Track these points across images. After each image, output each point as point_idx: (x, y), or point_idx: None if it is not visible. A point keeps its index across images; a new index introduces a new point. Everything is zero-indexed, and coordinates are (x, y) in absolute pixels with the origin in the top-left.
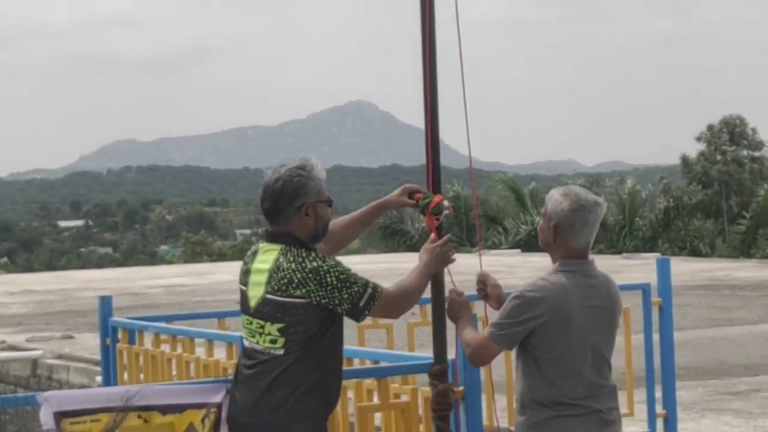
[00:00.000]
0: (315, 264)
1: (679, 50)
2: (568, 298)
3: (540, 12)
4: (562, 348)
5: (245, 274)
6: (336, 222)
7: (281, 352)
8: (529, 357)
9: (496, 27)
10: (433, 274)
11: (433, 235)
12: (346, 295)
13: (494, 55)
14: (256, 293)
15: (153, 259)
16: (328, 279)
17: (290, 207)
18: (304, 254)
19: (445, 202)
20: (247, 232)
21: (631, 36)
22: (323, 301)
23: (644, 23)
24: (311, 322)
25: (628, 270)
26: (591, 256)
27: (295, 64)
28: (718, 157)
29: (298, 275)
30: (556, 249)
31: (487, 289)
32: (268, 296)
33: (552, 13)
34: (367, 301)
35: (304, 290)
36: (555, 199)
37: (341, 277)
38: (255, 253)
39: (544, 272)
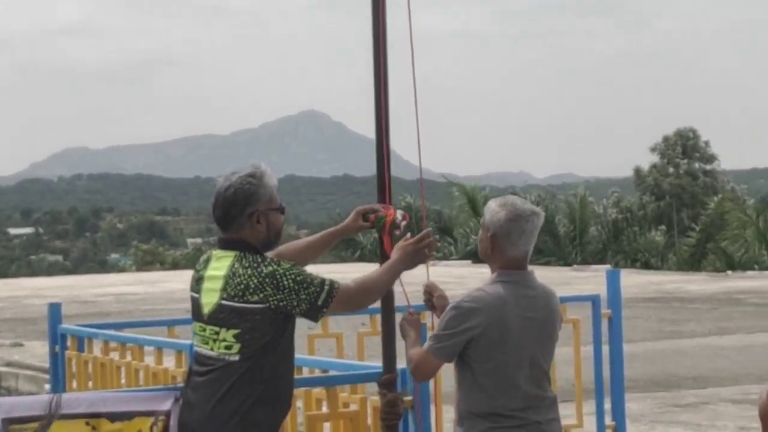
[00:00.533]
0: (271, 268)
1: (633, 66)
2: (504, 309)
3: (494, 26)
4: (498, 359)
5: (197, 281)
6: (290, 246)
7: (236, 358)
8: (466, 368)
9: (450, 40)
10: (402, 271)
11: (408, 235)
12: (303, 296)
13: (447, 68)
14: (210, 300)
15: (104, 268)
16: (285, 282)
17: (242, 215)
18: (259, 260)
19: (399, 214)
20: (199, 241)
21: (585, 51)
22: (281, 304)
23: (599, 39)
24: (267, 327)
25: (578, 282)
26: (530, 267)
27: (247, 74)
28: (671, 170)
29: (255, 280)
30: (494, 259)
31: (433, 299)
32: (224, 302)
33: (506, 28)
34: (325, 299)
35: (261, 295)
36: (492, 209)
37: (298, 278)
38: (208, 260)
39: (482, 283)
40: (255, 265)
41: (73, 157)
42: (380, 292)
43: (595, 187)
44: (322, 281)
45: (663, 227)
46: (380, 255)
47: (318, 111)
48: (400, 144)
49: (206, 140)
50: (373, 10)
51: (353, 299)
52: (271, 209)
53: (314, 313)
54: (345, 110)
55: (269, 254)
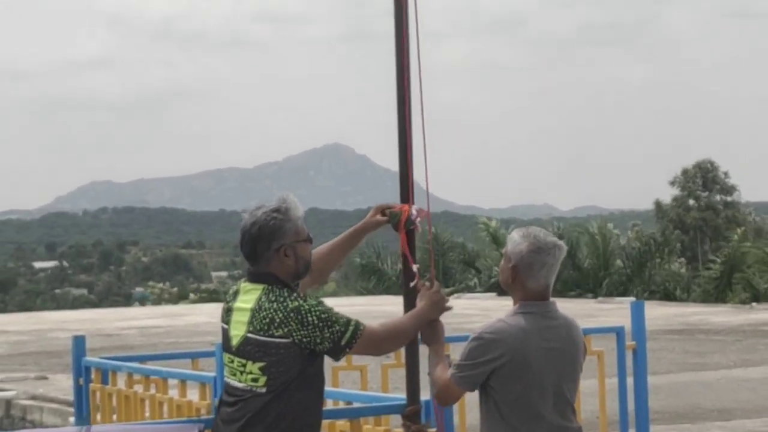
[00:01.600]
0: (296, 304)
1: (655, 96)
2: (525, 340)
3: (517, 57)
4: (521, 390)
5: (227, 312)
6: (315, 251)
7: (263, 390)
8: (489, 400)
9: (473, 72)
10: (428, 320)
11: (432, 282)
12: (327, 334)
13: (470, 100)
14: (238, 332)
15: (128, 301)
16: (310, 318)
17: (269, 250)
18: (285, 294)
19: (414, 210)
20: (223, 274)
21: (606, 82)
22: (304, 340)
23: (619, 69)
24: (292, 362)
25: (602, 314)
26: (553, 299)
27: (271, 107)
28: (691, 203)
29: (280, 315)
30: (515, 290)
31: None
32: (250, 335)
33: (529, 59)
34: (348, 339)
35: (285, 330)
36: (514, 240)
37: (322, 316)
38: (237, 293)
39: (504, 314)
40: (281, 299)
41: (98, 191)
42: (406, 339)
43: (619, 219)
44: (348, 321)
45: (684, 260)
46: (403, 257)
47: (342, 144)
48: (423, 176)
49: (231, 173)
50: (397, 43)
51: (378, 344)
52: (298, 242)
53: (337, 353)
54: (369, 143)
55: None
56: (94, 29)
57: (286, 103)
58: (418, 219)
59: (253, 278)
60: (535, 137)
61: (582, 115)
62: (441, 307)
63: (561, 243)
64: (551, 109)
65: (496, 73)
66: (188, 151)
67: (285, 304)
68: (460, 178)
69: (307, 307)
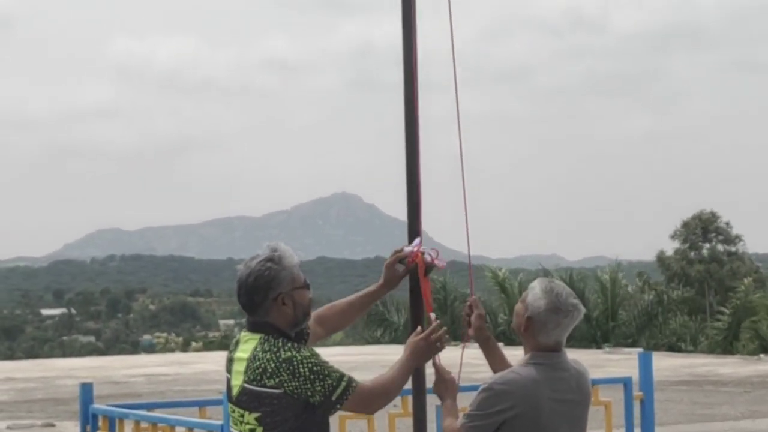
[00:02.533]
0: (289, 354)
1: (660, 147)
2: (536, 392)
3: (524, 107)
4: None
5: (229, 362)
6: (332, 306)
7: None
8: None
9: (480, 122)
10: (414, 368)
11: (419, 328)
12: (318, 387)
13: (477, 150)
14: (236, 382)
15: (136, 349)
16: (301, 370)
17: (266, 299)
18: (279, 344)
19: (428, 257)
20: (231, 322)
21: (612, 133)
22: (296, 391)
23: (625, 120)
24: (288, 413)
25: (610, 364)
26: (563, 349)
27: (279, 155)
28: (692, 254)
29: (272, 365)
30: (527, 339)
31: (471, 317)
32: (246, 385)
33: (535, 109)
34: (340, 395)
35: (277, 380)
36: (535, 292)
37: (314, 368)
38: (237, 343)
39: (516, 364)
40: (275, 349)
41: (106, 238)
42: (396, 392)
43: (626, 270)
44: (341, 376)
45: (691, 312)
46: (411, 303)
47: (350, 193)
48: (431, 225)
49: (239, 222)
50: (405, 93)
51: (370, 401)
52: (295, 289)
53: (327, 408)
54: (377, 192)
55: (310, 322)
56: (102, 78)
57: (294, 152)
58: (437, 263)
59: (252, 328)
60: (542, 188)
61: (589, 166)
62: (429, 352)
63: (580, 305)
64: (558, 159)
65: (503, 124)
66: (196, 199)
67: (278, 354)
68: (469, 227)
69: (299, 357)
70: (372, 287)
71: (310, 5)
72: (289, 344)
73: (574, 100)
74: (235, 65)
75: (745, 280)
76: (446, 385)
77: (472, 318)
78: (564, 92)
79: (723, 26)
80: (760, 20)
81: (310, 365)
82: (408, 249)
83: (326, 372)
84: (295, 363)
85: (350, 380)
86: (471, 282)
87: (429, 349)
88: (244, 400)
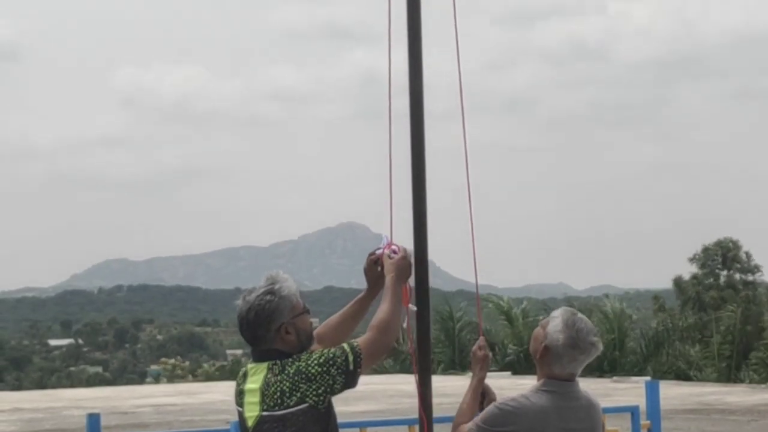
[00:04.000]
0: (295, 366)
1: (671, 175)
2: (544, 420)
3: (530, 137)
4: None
5: (239, 395)
6: (326, 324)
7: None
8: None
9: (486, 152)
10: (401, 286)
11: (395, 250)
12: (335, 371)
13: (484, 180)
14: (252, 413)
15: (143, 379)
16: (312, 371)
17: (269, 332)
18: (284, 363)
19: (392, 254)
20: (238, 352)
21: (619, 161)
22: (320, 390)
23: (634, 150)
24: (313, 427)
25: (617, 393)
26: (576, 379)
27: (286, 185)
28: (710, 281)
29: (287, 384)
30: (541, 366)
31: (480, 351)
32: (265, 414)
33: (544, 139)
34: (354, 360)
35: (298, 395)
36: (556, 323)
37: (321, 360)
38: (245, 375)
39: (528, 388)
40: (282, 370)
41: (113, 269)
42: (397, 322)
43: (635, 298)
44: (342, 348)
45: (700, 337)
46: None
47: (357, 222)
48: (438, 255)
49: (246, 251)
50: (412, 121)
51: (379, 345)
52: (296, 316)
53: (352, 380)
54: (383, 222)
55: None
56: (108, 108)
57: (300, 182)
58: (393, 249)
59: (258, 358)
60: (549, 217)
61: (597, 194)
62: (408, 270)
63: (599, 344)
64: (566, 188)
65: (509, 153)
66: (203, 229)
67: (287, 372)
68: (476, 257)
69: (305, 363)
70: (361, 294)
71: (316, 35)
72: (290, 360)
73: (580, 129)
74: (242, 95)
75: (765, 311)
76: (476, 361)
77: (480, 350)
78: (569, 121)
79: (727, 54)
80: (764, 48)
81: (316, 361)
82: (378, 251)
83: (331, 355)
84: (304, 369)
85: (351, 344)
86: (479, 319)
87: (408, 267)
88: (265, 428)
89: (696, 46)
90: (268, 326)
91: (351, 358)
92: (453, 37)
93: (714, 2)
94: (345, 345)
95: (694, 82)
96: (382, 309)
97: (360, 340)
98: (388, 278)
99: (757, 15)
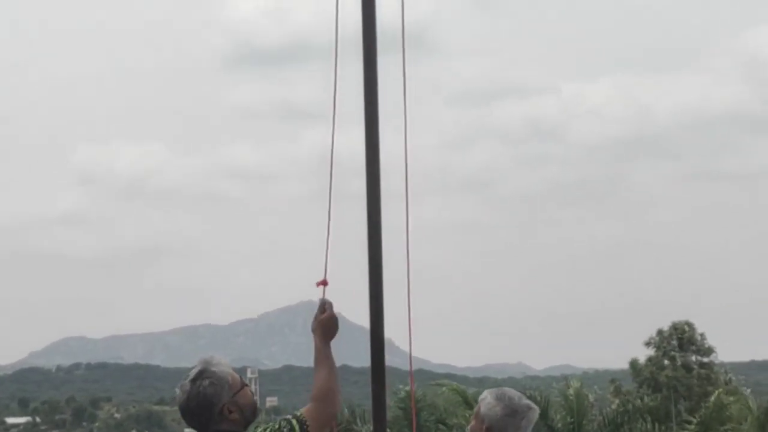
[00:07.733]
0: None
1: (625, 255)
2: None
3: (488, 216)
4: None
5: None
6: (314, 387)
7: None
8: None
9: (443, 230)
10: (327, 342)
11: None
12: None
13: (441, 258)
14: None
15: None
16: None
17: (212, 415)
18: None
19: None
20: None
21: (579, 241)
22: None
23: (592, 228)
24: None
25: None
26: None
27: (245, 264)
28: (666, 363)
29: None
30: None
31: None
32: None
33: (502, 217)
34: (300, 431)
35: None
36: (488, 402)
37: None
38: None
39: None
40: None
41: (71, 346)
42: (336, 387)
43: (593, 378)
44: (288, 420)
45: (661, 420)
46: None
47: (316, 301)
48: (396, 334)
49: (205, 329)
50: (368, 203)
51: (323, 414)
52: (235, 394)
53: None
54: (343, 301)
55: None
56: (66, 185)
57: (260, 260)
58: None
59: None
60: (509, 295)
61: (555, 274)
62: (334, 325)
63: (534, 406)
64: (524, 267)
65: (468, 232)
66: (162, 307)
67: None
68: (433, 336)
69: None
70: (314, 352)
71: (272, 115)
72: None
73: (537, 208)
74: (200, 173)
75: (716, 391)
76: (326, 324)
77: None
78: (527, 200)
79: (684, 136)
80: (719, 129)
81: None
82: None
83: (276, 427)
84: None
85: (296, 415)
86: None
87: (335, 322)
88: None
89: (651, 127)
90: (210, 411)
91: (297, 428)
92: (409, 118)
93: (666, 84)
94: (290, 416)
95: (649, 162)
96: (319, 377)
97: (304, 410)
98: (316, 339)
99: (710, 97)
